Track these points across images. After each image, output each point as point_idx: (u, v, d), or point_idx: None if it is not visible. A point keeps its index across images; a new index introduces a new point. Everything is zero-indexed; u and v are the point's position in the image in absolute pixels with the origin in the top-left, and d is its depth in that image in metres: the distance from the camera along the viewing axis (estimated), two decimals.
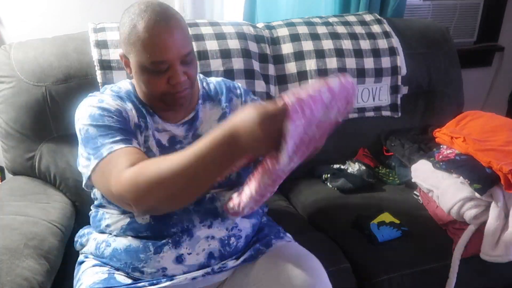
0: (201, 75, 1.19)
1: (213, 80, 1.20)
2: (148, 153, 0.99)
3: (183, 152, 0.78)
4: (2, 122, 1.35)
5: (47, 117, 1.35)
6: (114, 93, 1.03)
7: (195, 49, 1.46)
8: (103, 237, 1.04)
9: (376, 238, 1.28)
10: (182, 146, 1.05)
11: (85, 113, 0.96)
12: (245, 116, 0.73)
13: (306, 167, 1.67)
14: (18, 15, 1.58)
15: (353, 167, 1.65)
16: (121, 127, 0.94)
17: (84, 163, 0.94)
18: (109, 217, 1.03)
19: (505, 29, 2.38)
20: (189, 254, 0.99)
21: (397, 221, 1.34)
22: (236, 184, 1.08)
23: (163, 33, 0.91)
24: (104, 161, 0.89)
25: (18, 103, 1.33)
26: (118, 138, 0.91)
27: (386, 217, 1.36)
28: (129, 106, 1.01)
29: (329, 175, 1.63)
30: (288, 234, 1.14)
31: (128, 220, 1.01)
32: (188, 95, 1.01)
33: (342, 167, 1.67)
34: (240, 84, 1.22)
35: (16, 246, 1.02)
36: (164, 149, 1.04)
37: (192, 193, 0.83)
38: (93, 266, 1.03)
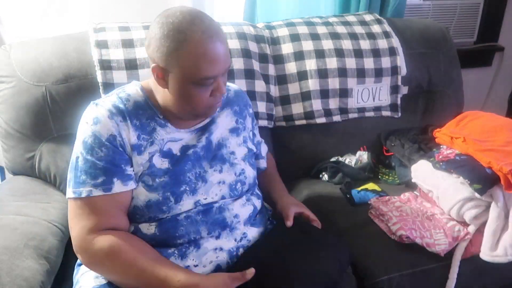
0: None
1: (234, 87, 1.18)
2: (151, 169, 0.97)
3: (149, 268, 0.88)
4: (2, 122, 1.35)
5: (47, 117, 1.34)
6: (119, 104, 0.97)
7: None
8: None
9: (353, 200, 1.46)
10: (196, 151, 1.04)
11: (81, 133, 0.97)
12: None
13: (305, 166, 1.69)
14: (18, 15, 1.58)
15: (351, 158, 1.66)
16: (105, 166, 0.93)
17: (67, 176, 0.98)
18: None
19: (505, 29, 2.38)
20: (195, 266, 0.98)
21: (379, 189, 1.50)
22: (244, 194, 1.08)
23: (218, 49, 0.89)
24: (81, 201, 0.93)
25: (18, 103, 1.33)
26: (99, 180, 0.92)
27: (371, 186, 1.53)
28: (128, 125, 0.96)
29: (325, 172, 1.64)
30: None
31: (132, 229, 0.99)
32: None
33: (340, 158, 1.68)
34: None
35: (16, 246, 1.02)
36: (174, 159, 1.02)
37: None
38: None
